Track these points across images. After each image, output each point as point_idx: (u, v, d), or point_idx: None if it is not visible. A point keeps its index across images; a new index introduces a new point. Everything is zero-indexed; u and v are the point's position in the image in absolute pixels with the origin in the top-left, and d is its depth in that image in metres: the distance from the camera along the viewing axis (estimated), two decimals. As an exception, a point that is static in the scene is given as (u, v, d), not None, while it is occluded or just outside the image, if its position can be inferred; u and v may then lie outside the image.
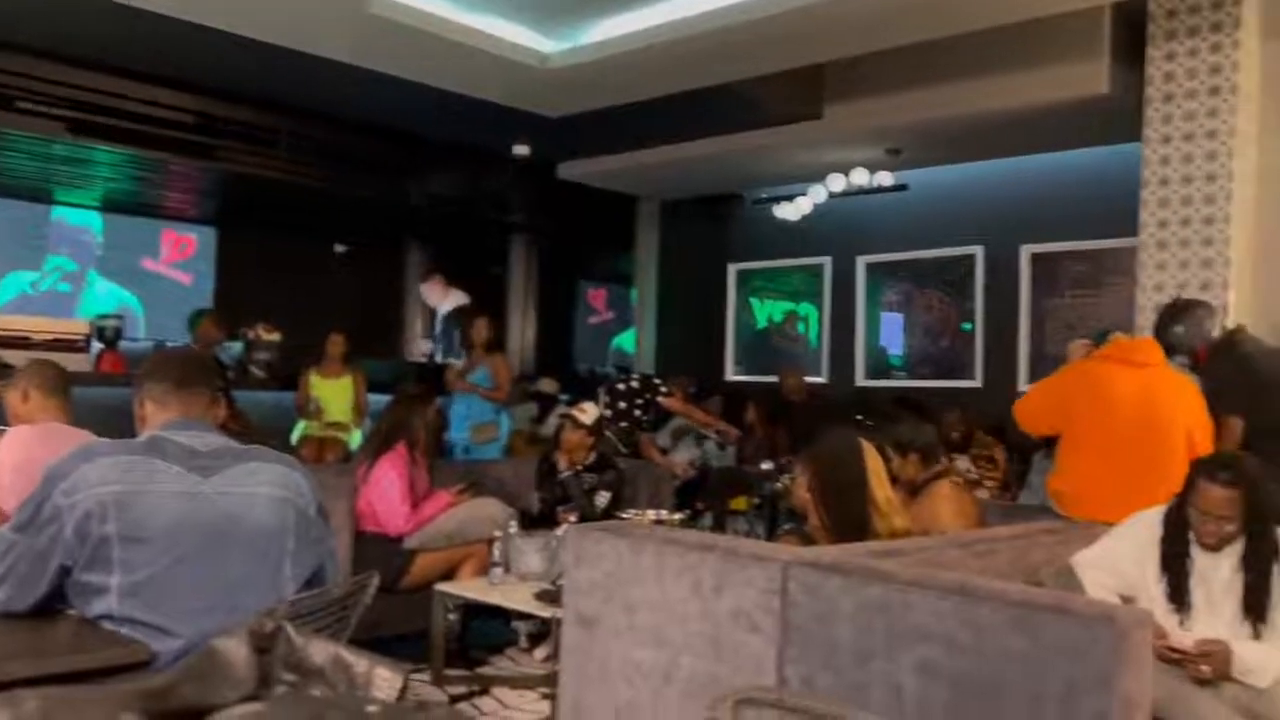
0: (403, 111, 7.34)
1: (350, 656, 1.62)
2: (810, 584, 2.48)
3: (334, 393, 6.84)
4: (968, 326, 7.86)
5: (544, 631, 4.34)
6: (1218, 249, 4.66)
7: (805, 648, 2.47)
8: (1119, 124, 5.48)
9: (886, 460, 3.55)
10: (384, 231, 11.41)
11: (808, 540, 3.19)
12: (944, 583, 2.36)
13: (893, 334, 8.54)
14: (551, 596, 3.72)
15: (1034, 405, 4.01)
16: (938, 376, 8.02)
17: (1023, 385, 7.15)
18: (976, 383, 7.70)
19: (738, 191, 9.18)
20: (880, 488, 3.23)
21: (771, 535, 5.51)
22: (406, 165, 9.07)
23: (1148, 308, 4.83)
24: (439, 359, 6.15)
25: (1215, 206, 4.67)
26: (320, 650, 1.59)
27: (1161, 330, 4.13)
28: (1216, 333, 4.20)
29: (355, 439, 6.63)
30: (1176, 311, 4.21)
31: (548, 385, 8.49)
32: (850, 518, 3.12)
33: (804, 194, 8.11)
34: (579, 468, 5.05)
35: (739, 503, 6.97)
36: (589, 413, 5.14)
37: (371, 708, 1.43)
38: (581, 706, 2.88)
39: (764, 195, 8.84)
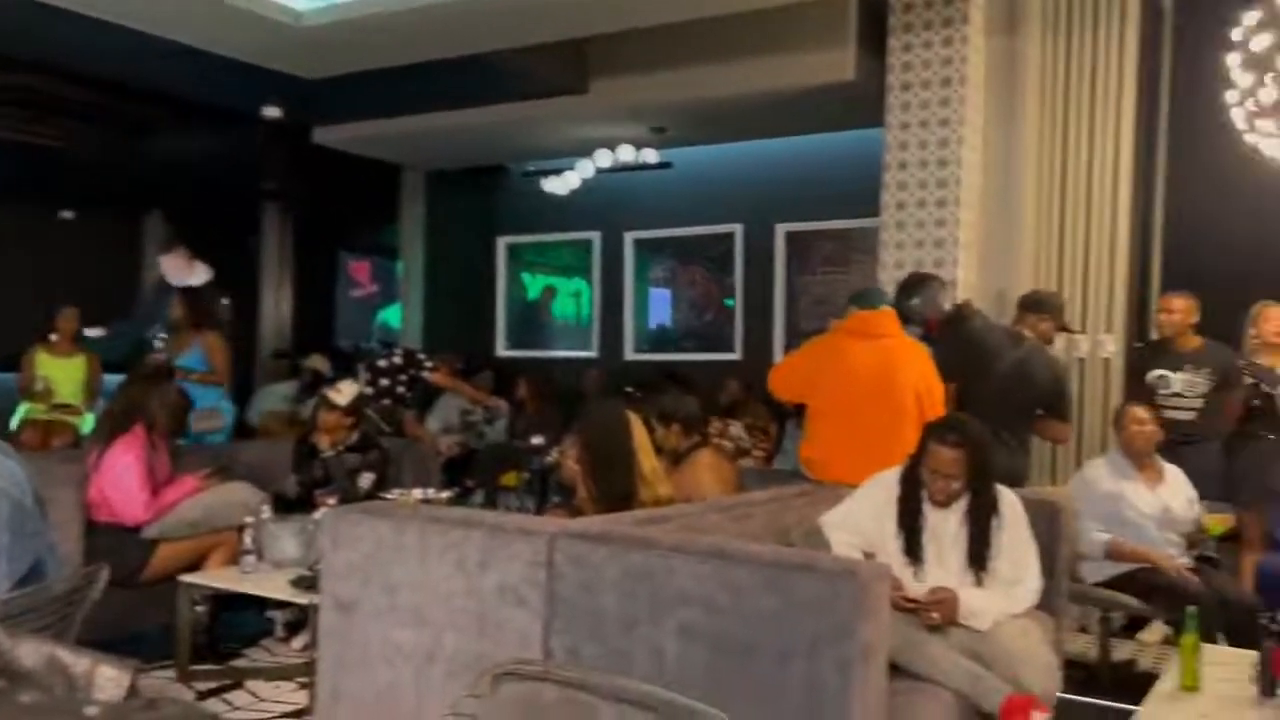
0: (144, 67, 6.74)
1: (69, 656, 1.47)
2: (576, 555, 2.49)
3: (65, 373, 6.28)
4: (730, 302, 8.17)
5: (302, 620, 4.16)
6: (949, 230, 5.06)
7: (571, 619, 2.48)
8: (865, 109, 5.81)
9: (651, 431, 3.64)
10: (121, 198, 10.49)
11: (576, 513, 3.21)
12: (703, 547, 2.44)
13: (661, 309, 8.76)
14: (309, 583, 3.57)
15: (784, 374, 4.23)
16: (702, 350, 8.30)
17: (779, 358, 7.51)
18: (737, 355, 8.03)
19: (506, 164, 9.09)
20: (646, 458, 3.30)
21: (541, 510, 5.52)
22: (147, 125, 8.37)
23: (888, 284, 5.18)
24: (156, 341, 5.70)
25: (947, 190, 5.06)
26: (32, 651, 1.44)
27: (899, 302, 4.44)
28: (948, 306, 4.57)
29: (87, 423, 6.08)
30: (912, 285, 4.54)
31: (318, 362, 8.10)
32: (617, 488, 3.16)
33: (572, 168, 8.14)
34: (341, 448, 4.85)
35: (510, 479, 6.95)
36: (344, 393, 4.94)
37: (91, 709, 1.30)
38: (341, 692, 2.77)
39: (532, 168, 8.79)
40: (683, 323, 8.60)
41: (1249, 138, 4.20)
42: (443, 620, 2.59)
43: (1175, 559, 4.15)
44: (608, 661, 2.41)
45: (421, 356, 6.70)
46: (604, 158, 7.81)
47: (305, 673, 3.65)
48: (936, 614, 3.01)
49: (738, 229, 8.03)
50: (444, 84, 6.76)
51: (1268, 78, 3.88)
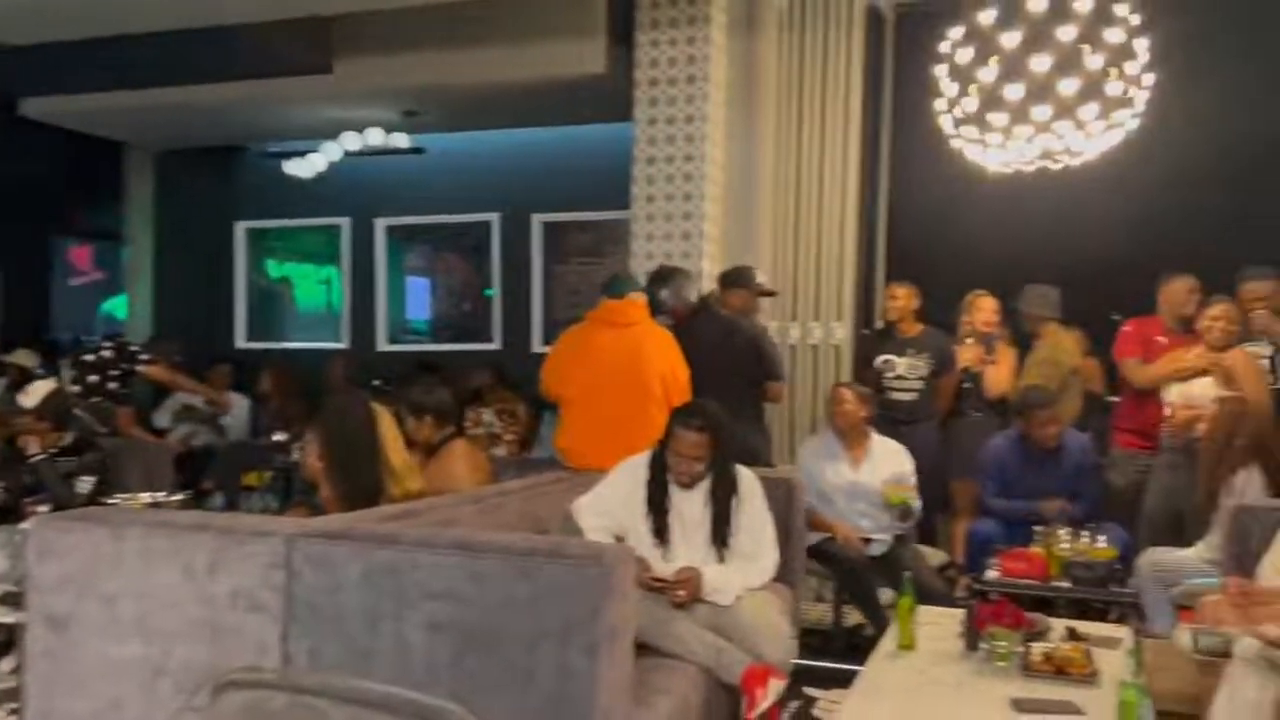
0: None
1: None
2: (316, 555, 2.40)
3: None
4: (490, 292, 8.10)
5: (9, 640, 3.76)
6: (695, 224, 5.24)
7: (312, 621, 2.38)
8: (617, 102, 5.90)
9: (401, 423, 3.55)
10: None
11: (319, 512, 3.07)
12: (450, 540, 2.40)
13: (418, 298, 8.55)
14: (15, 599, 3.23)
15: (547, 370, 4.24)
16: (460, 340, 8.18)
17: (537, 347, 7.53)
18: (496, 345, 7.97)
19: (245, 144, 8.57)
20: (395, 452, 3.21)
21: (284, 510, 5.27)
22: None
23: (639, 275, 5.30)
24: None
25: (693, 185, 5.24)
26: None
27: (649, 293, 4.56)
28: (694, 297, 4.74)
29: None
30: (661, 277, 4.68)
31: (23, 358, 7.31)
32: (362, 485, 3.06)
33: (317, 151, 7.79)
34: (53, 451, 4.42)
35: (253, 478, 6.58)
36: (33, 394, 4.50)
37: None
38: (54, 716, 2.53)
39: (274, 150, 8.34)
40: (440, 313, 8.44)
41: (955, 142, 4.61)
42: (170, 631, 2.42)
43: (851, 530, 4.48)
44: (351, 663, 2.33)
45: (135, 349, 6.23)
46: (351, 141, 7.53)
47: (11, 698, 3.30)
48: (683, 592, 3.12)
49: (494, 218, 7.97)
50: (173, 57, 6.27)
51: (971, 88, 4.27)
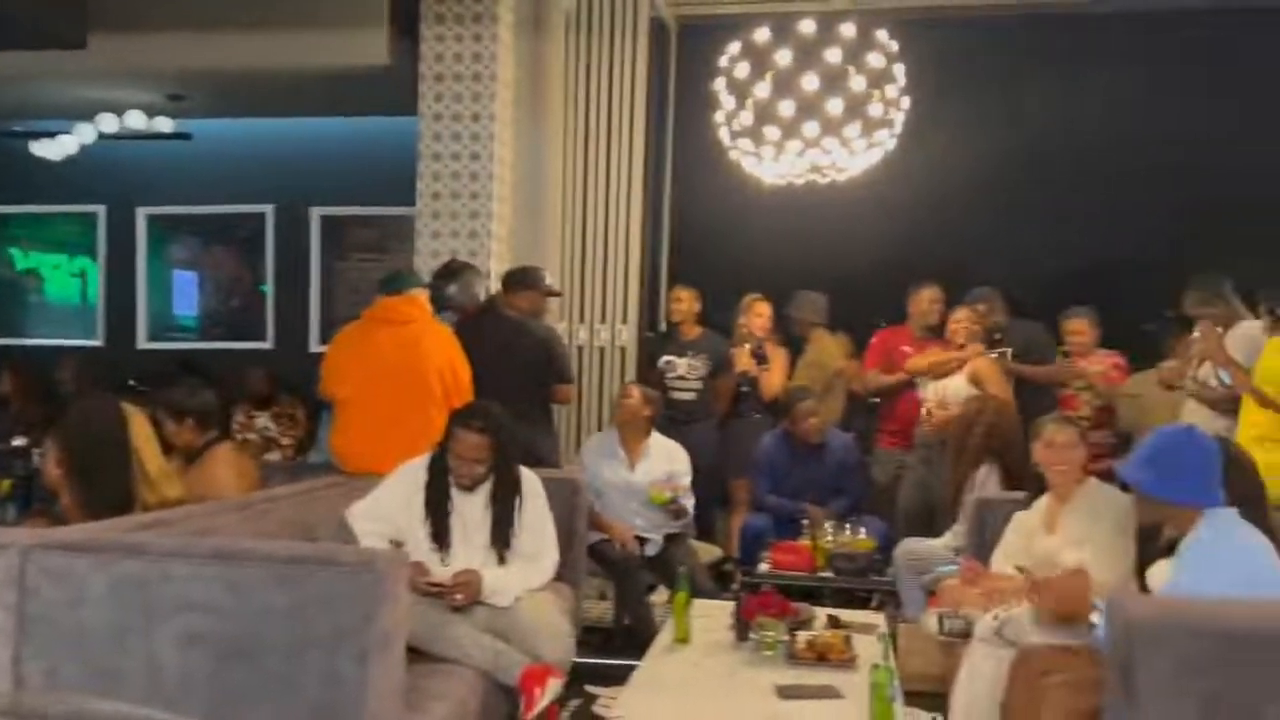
0: None
1: None
2: (56, 568, 2.21)
3: None
4: (264, 287, 7.70)
5: None
6: (482, 222, 5.19)
7: (49, 639, 2.20)
8: (402, 95, 5.76)
9: (159, 426, 3.32)
10: None
11: (60, 522, 2.83)
12: (205, 549, 2.28)
13: (186, 293, 8.02)
14: None
15: (324, 371, 4.08)
16: (231, 338, 7.73)
17: (314, 347, 7.23)
18: (269, 344, 7.60)
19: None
20: (150, 458, 2.99)
21: (21, 520, 4.81)
22: None
23: (423, 271, 5.20)
24: None
25: (480, 184, 5.19)
26: None
27: (435, 289, 4.48)
28: (483, 295, 4.67)
29: None
30: (451, 272, 4.60)
31: None
32: (109, 492, 2.84)
33: (69, 132, 7.16)
34: None
35: (-11, 487, 5.97)
36: None
37: None
38: None
39: (18, 129, 7.60)
40: (209, 309, 7.95)
41: (733, 154, 4.80)
42: (-126, 660, 2.17)
43: (627, 530, 4.57)
44: (95, 682, 2.17)
45: None
46: (108, 123, 6.97)
47: None
48: (461, 596, 3.08)
49: (269, 210, 7.58)
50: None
51: (747, 102, 4.45)
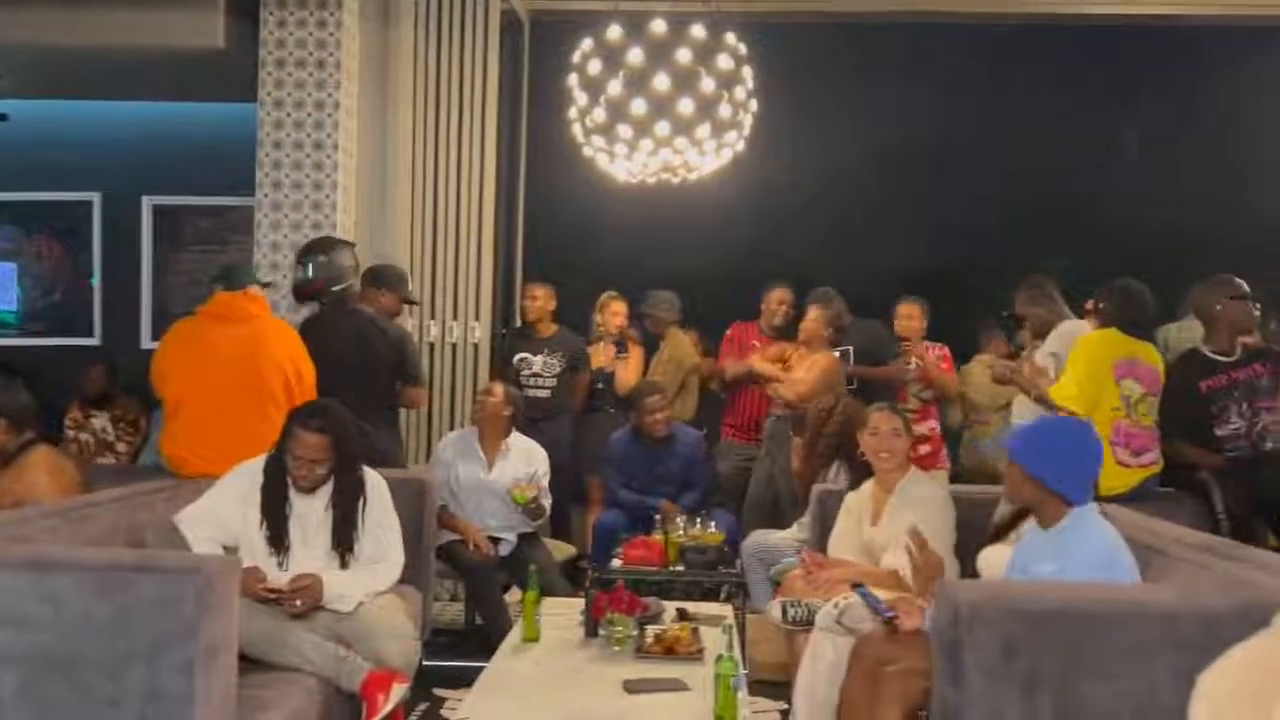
0: None
1: None
2: None
3: None
4: (95, 279, 7.24)
5: None
6: (326, 214, 5.01)
7: None
8: (240, 81, 5.51)
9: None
10: None
11: None
12: (16, 557, 2.13)
13: (4, 286, 7.45)
14: None
15: (153, 367, 3.87)
16: (54, 334, 7.24)
17: (146, 343, 6.85)
18: (96, 340, 7.16)
19: None
20: (-46, 461, 2.78)
21: None
22: None
23: (263, 265, 5.00)
24: None
25: (324, 174, 5.01)
26: None
27: (301, 265, 4.34)
28: (351, 274, 4.48)
29: None
30: (317, 246, 4.44)
31: None
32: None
33: None
34: None
35: None
36: None
37: None
38: None
39: None
40: (30, 302, 7.42)
41: (587, 150, 4.78)
42: None
43: (479, 532, 4.51)
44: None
45: None
46: (-86, 100, 6.43)
47: None
48: (300, 601, 2.97)
49: (95, 198, 7.14)
50: None
51: (600, 99, 4.45)
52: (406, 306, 4.94)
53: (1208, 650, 1.26)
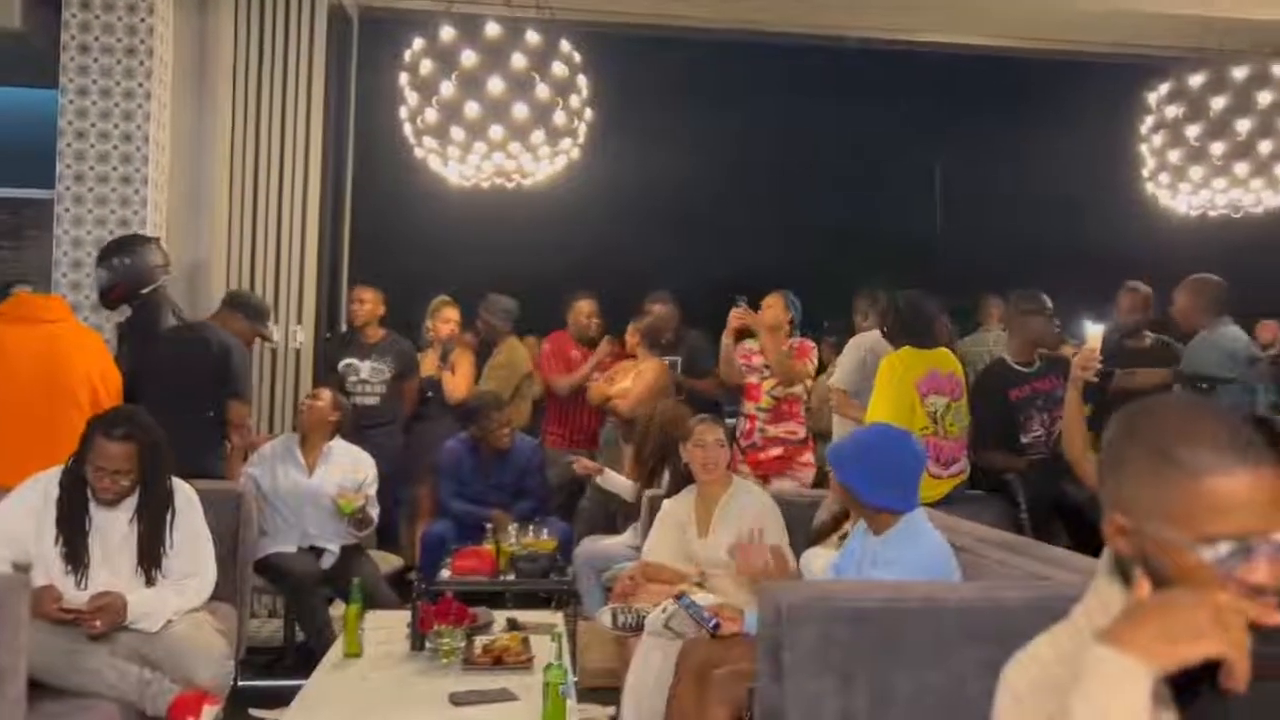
0: None
1: None
2: None
3: None
4: None
5: None
6: (134, 209, 4.72)
7: None
8: (40, 65, 5.13)
9: None
10: None
11: None
12: None
13: None
14: None
15: None
16: None
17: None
18: None
19: None
20: None
21: None
22: None
23: (64, 262, 4.67)
24: None
25: (132, 167, 4.72)
26: None
27: (104, 266, 4.07)
28: (161, 274, 4.23)
29: None
30: (121, 246, 4.18)
31: None
32: None
33: None
34: None
35: None
36: None
37: None
38: None
39: None
40: None
41: (418, 152, 4.67)
42: None
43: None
44: None
45: None
46: None
47: None
48: (100, 622, 2.77)
49: None
50: None
51: (432, 100, 4.35)
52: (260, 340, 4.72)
53: (1007, 643, 1.32)
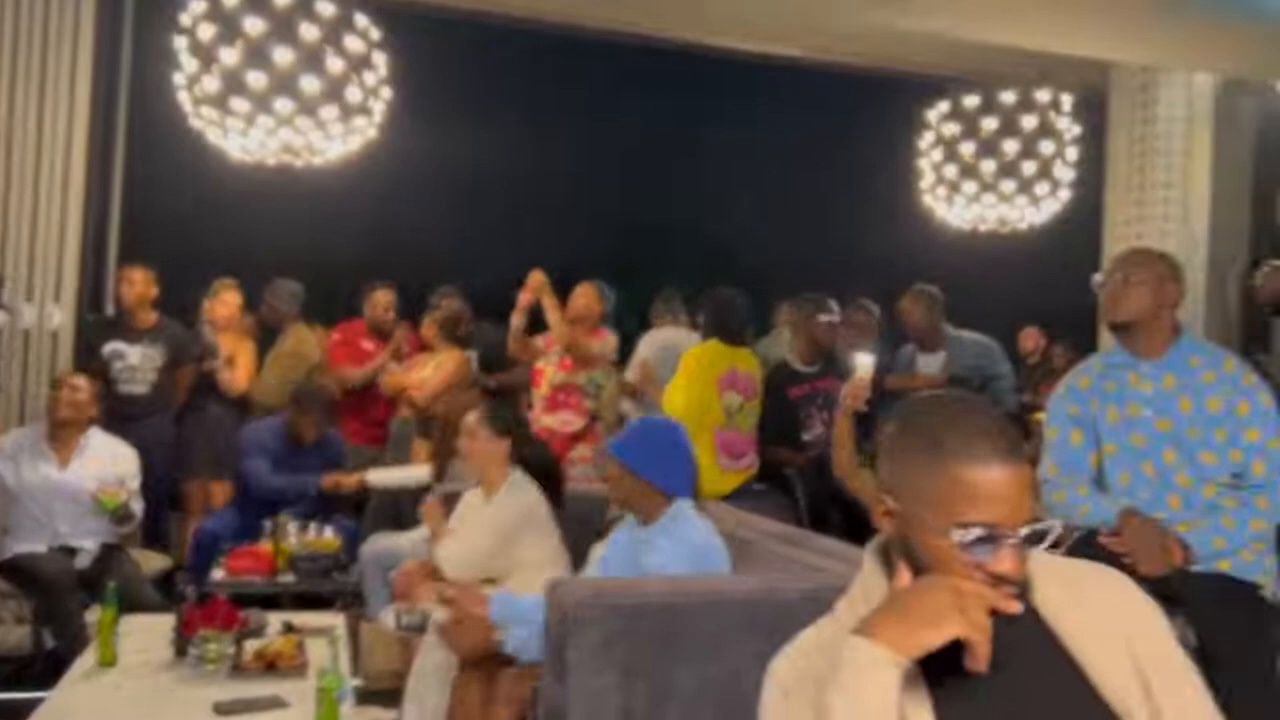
0: None
1: None
2: None
3: None
4: None
5: None
6: None
7: None
8: None
9: None
10: None
11: None
12: None
13: None
14: None
15: None
16: None
17: None
18: None
19: None
20: None
21: None
22: None
23: None
24: None
25: None
26: None
27: None
28: None
29: None
30: None
31: None
32: None
33: None
34: None
35: None
36: None
37: None
38: None
39: None
40: None
41: (196, 122, 4.37)
42: None
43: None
44: None
45: None
46: None
47: None
48: None
49: None
50: None
51: (213, 68, 4.07)
52: None
53: (784, 634, 1.35)
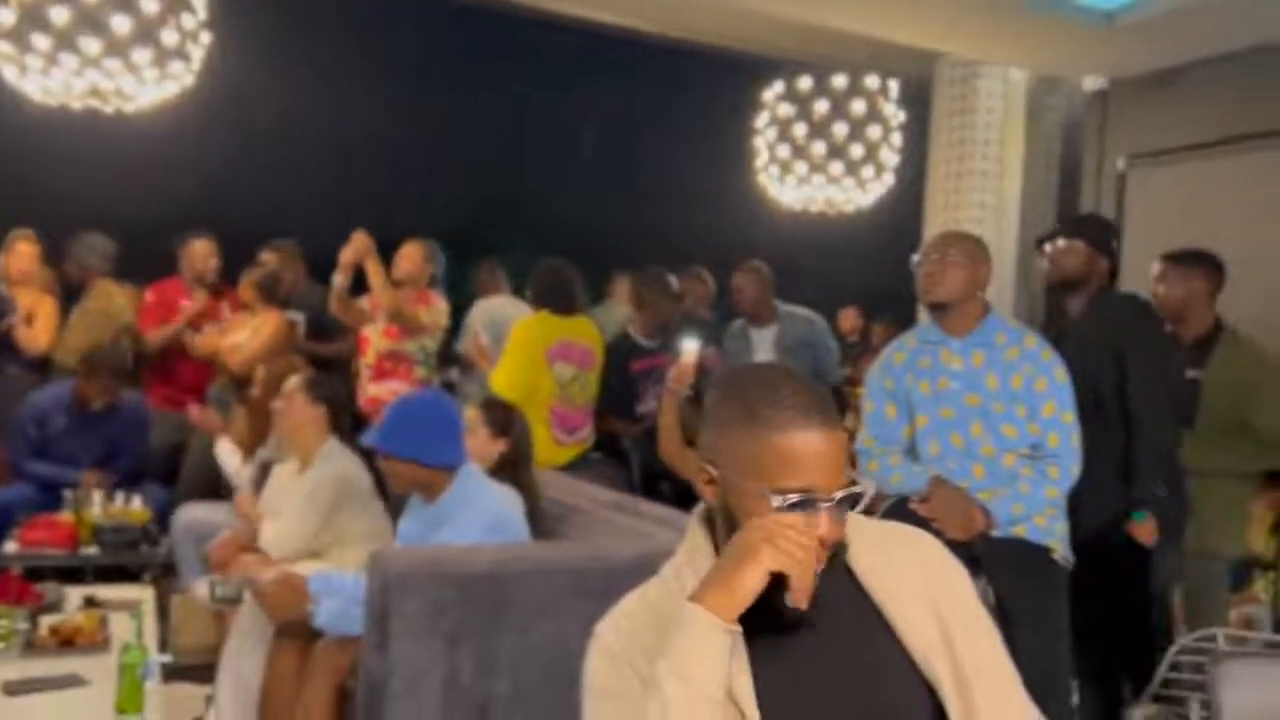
0: None
1: None
2: None
3: None
4: None
5: None
6: None
7: None
8: None
9: None
10: None
11: None
12: None
13: None
14: None
15: None
16: None
17: None
18: None
19: None
20: None
21: None
22: None
23: None
24: None
25: None
26: None
27: None
28: None
29: None
30: None
31: None
32: None
33: None
34: None
35: None
36: None
37: None
38: None
39: None
40: None
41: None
42: None
43: None
44: None
45: None
46: None
47: None
48: None
49: None
50: None
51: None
52: None
53: (612, 599, 1.35)
